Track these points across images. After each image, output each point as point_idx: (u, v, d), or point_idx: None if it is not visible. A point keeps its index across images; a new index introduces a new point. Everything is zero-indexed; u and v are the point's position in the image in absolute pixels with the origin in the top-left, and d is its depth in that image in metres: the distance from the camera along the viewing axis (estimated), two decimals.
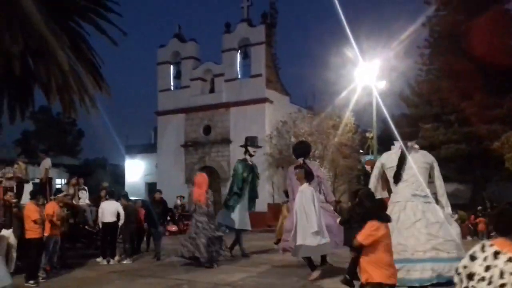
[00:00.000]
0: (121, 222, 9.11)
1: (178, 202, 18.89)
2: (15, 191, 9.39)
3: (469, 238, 16.00)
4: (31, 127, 36.72)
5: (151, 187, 24.47)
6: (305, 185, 6.37)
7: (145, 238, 10.97)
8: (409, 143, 5.42)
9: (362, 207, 4.06)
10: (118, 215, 9.08)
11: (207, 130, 22.84)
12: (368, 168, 7.27)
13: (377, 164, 5.59)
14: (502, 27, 19.63)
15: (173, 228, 16.20)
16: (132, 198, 12.48)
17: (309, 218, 6.09)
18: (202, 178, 8.63)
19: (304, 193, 6.27)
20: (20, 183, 11.05)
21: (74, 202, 10.95)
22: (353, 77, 17.07)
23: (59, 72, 9.05)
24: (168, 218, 14.58)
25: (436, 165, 5.44)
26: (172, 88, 24.48)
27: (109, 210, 9.14)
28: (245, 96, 21.55)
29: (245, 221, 9.49)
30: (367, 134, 19.27)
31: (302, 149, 7.29)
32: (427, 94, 21.84)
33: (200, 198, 8.24)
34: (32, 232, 7.15)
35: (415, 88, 23.23)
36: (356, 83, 17.05)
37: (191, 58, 23.60)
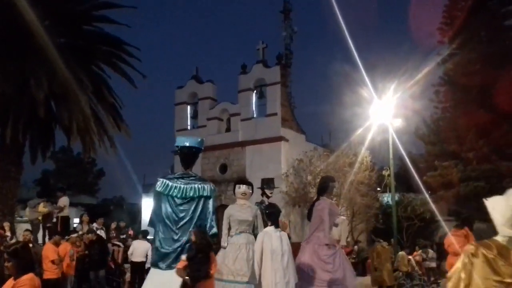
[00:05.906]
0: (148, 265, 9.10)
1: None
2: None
3: None
4: (51, 167, 37.28)
5: None
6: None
7: None
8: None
9: None
10: (147, 255, 9.18)
11: (223, 168, 22.95)
12: None
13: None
14: None
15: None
16: (150, 237, 12.57)
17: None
18: None
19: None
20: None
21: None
22: (368, 115, 17.14)
23: (81, 114, 9.36)
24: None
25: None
26: (189, 127, 24.83)
27: (140, 250, 9.25)
28: (260, 135, 21.72)
29: None
30: (384, 172, 19.15)
31: (319, 185, 7.10)
32: (443, 132, 21.68)
33: None
34: (50, 272, 7.21)
35: (431, 125, 23.12)
36: (372, 121, 17.10)
37: (208, 98, 24.04)
